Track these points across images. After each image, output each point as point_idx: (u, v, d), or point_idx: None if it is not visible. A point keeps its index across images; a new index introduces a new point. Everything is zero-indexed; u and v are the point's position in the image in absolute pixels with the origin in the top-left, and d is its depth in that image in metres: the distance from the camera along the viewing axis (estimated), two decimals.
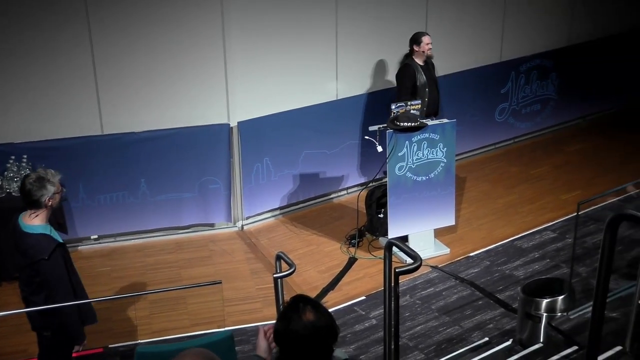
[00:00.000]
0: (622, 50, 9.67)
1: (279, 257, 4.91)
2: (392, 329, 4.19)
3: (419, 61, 7.13)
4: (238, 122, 7.06)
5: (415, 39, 7.08)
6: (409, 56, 7.18)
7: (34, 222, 4.27)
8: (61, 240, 4.38)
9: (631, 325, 5.04)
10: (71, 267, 4.46)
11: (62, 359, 4.60)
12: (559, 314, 5.41)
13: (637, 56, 9.83)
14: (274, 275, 4.78)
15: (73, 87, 6.59)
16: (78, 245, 7.00)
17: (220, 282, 5.31)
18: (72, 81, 6.57)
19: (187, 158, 6.98)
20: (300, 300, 2.65)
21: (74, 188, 6.67)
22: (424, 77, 7.11)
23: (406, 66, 7.12)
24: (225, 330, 4.87)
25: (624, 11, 9.75)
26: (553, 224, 7.31)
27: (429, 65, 7.26)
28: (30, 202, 4.22)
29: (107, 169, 6.80)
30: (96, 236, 7.07)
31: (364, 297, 6.25)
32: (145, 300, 6.17)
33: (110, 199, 6.89)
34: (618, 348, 4.91)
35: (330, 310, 2.79)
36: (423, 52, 7.07)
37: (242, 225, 7.46)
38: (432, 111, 7.19)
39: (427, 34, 7.13)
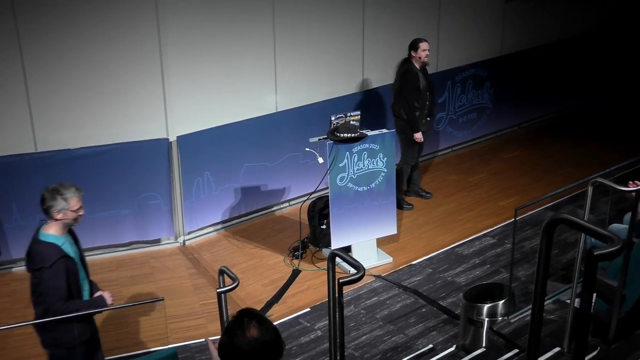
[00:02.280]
0: (553, 59, 9.98)
1: (222, 272, 4.86)
2: (338, 340, 4.19)
3: (418, 66, 7.41)
4: (177, 137, 6.98)
5: (413, 45, 7.36)
6: (408, 61, 7.42)
7: (49, 231, 4.45)
8: (72, 255, 4.47)
9: (568, 327, 5.18)
10: (76, 282, 4.50)
11: None
12: (500, 318, 5.51)
13: (568, 65, 10.16)
14: (218, 290, 4.72)
15: (3, 103, 6.41)
16: (12, 267, 6.78)
17: (163, 299, 5.22)
18: (2, 97, 6.39)
19: (126, 174, 6.86)
20: (245, 315, 2.63)
21: (7, 208, 6.48)
22: (423, 83, 7.44)
23: (410, 71, 7.41)
24: (169, 348, 4.79)
25: (553, 22, 10.07)
26: (492, 230, 7.45)
27: (426, 71, 7.55)
28: (43, 209, 4.44)
29: (41, 188, 6.56)
30: None
31: (308, 309, 6.24)
32: None
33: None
34: (557, 349, 5.02)
35: (275, 323, 2.77)
36: (420, 58, 7.34)
37: (184, 241, 7.37)
38: (430, 114, 7.62)
39: (425, 41, 7.37)
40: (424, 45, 7.34)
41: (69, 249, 4.48)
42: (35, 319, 4.55)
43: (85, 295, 4.64)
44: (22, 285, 6.51)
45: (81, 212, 4.53)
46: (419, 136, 7.52)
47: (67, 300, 4.41)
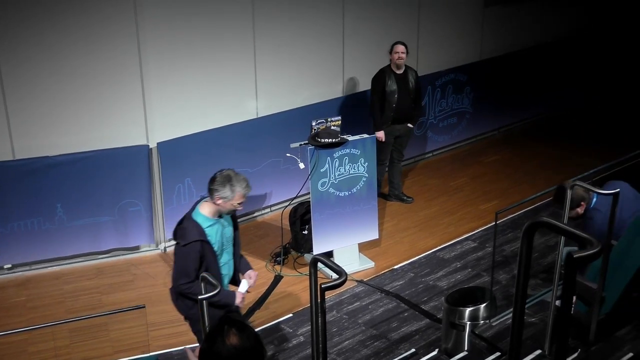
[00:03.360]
0: (532, 63, 10.07)
1: (203, 278, 4.84)
2: (320, 346, 4.18)
3: (395, 69, 7.51)
4: (157, 143, 6.94)
5: (391, 47, 7.52)
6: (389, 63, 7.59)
7: (203, 210, 4.55)
8: (217, 239, 4.55)
9: (549, 329, 5.21)
10: (212, 267, 4.54)
11: None
12: (482, 321, 5.53)
13: (547, 69, 10.25)
14: (199, 297, 4.70)
15: None
16: None
17: (144, 307, 5.18)
18: None
19: (106, 181, 6.81)
20: (226, 322, 2.62)
21: None
22: (395, 84, 7.52)
23: (379, 72, 7.60)
24: (151, 356, 4.76)
25: (532, 27, 10.16)
26: (473, 234, 7.49)
27: (407, 74, 7.57)
28: (208, 188, 4.49)
29: (20, 195, 6.54)
30: (9, 265, 6.78)
31: (290, 315, 6.22)
32: (65, 330, 5.94)
33: (24, 226, 6.63)
34: (538, 352, 5.05)
35: (257, 329, 2.76)
36: (392, 60, 7.50)
37: (165, 248, 7.32)
38: (400, 118, 7.61)
39: (400, 43, 7.50)
40: (396, 48, 7.49)
41: (213, 233, 4.54)
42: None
43: (225, 280, 4.73)
44: (2, 294, 6.48)
45: (239, 207, 4.59)
46: (379, 135, 7.56)
47: (193, 281, 4.48)
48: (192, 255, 4.44)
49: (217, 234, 4.58)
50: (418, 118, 7.96)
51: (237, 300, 4.64)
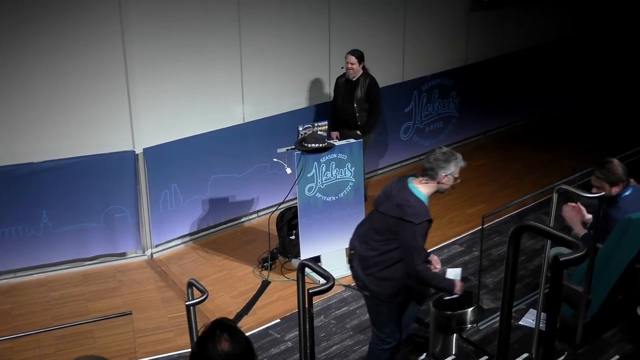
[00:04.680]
0: (517, 68, 10.13)
1: (190, 284, 4.82)
2: (308, 351, 4.17)
3: (348, 77, 7.52)
4: (143, 149, 6.92)
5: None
6: None
7: (420, 187, 4.54)
8: None
9: (536, 333, 5.23)
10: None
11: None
12: (469, 325, 5.55)
13: (532, 73, 10.32)
14: (186, 303, 4.69)
15: None
16: None
17: (131, 313, 5.16)
18: None
19: (91, 187, 6.77)
20: (218, 327, 2.61)
21: None
22: (341, 91, 7.61)
23: (337, 77, 7.72)
24: None
25: (517, 31, 10.22)
26: (460, 238, 7.51)
27: (358, 82, 7.55)
28: (428, 167, 4.52)
29: (5, 202, 6.49)
30: None
31: (278, 320, 6.21)
32: (51, 337, 5.89)
33: (8, 233, 6.58)
34: (525, 355, 5.08)
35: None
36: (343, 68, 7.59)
37: (152, 254, 7.29)
38: (345, 124, 7.61)
39: (350, 54, 7.49)
40: (347, 58, 7.53)
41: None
42: (363, 259, 4.69)
43: None
44: None
45: (458, 182, 4.63)
46: (333, 134, 7.59)
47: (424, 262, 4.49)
48: (423, 234, 4.48)
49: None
50: (370, 127, 7.66)
51: (457, 288, 4.70)
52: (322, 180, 6.55)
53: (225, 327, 2.61)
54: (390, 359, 4.95)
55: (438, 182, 4.58)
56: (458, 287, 4.71)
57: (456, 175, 4.62)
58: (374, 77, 7.64)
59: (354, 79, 7.56)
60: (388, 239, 4.62)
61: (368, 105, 7.60)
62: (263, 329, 6.08)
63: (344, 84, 7.62)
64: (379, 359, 4.96)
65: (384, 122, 8.75)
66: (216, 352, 2.54)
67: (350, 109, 7.58)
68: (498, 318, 4.26)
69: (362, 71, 7.55)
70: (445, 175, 4.55)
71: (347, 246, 6.85)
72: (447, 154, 4.58)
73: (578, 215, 5.05)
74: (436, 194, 4.72)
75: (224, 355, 2.54)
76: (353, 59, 7.48)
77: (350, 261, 4.93)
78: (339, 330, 6.03)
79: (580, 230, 5.01)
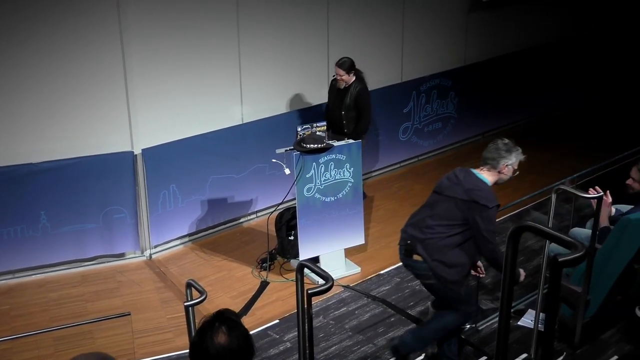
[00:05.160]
0: (516, 68, 10.13)
1: (189, 285, 4.83)
2: (307, 351, 4.18)
3: (339, 86, 7.41)
4: (142, 150, 6.91)
5: None
6: None
7: (485, 175, 4.68)
8: None
9: (535, 333, 5.24)
10: None
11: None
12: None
13: (531, 74, 10.32)
14: (185, 304, 4.69)
15: None
16: None
17: (130, 314, 5.15)
18: None
19: (90, 188, 6.76)
20: (218, 319, 2.60)
21: None
22: (332, 95, 7.52)
23: (331, 81, 7.63)
24: None
25: (516, 32, 10.22)
26: None
27: (349, 89, 7.41)
28: (489, 157, 4.66)
29: (3, 203, 6.48)
30: None
31: (277, 321, 6.21)
32: (50, 338, 5.89)
33: (7, 234, 6.57)
34: (524, 355, 5.08)
35: None
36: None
37: (151, 254, 7.29)
38: (331, 127, 7.40)
39: (338, 66, 7.29)
40: (335, 69, 7.37)
41: None
42: (428, 245, 4.74)
43: None
44: None
45: (515, 174, 4.75)
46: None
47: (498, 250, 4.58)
48: (494, 218, 4.57)
49: None
50: (356, 136, 7.34)
51: (522, 277, 4.79)
52: (320, 181, 6.55)
53: (225, 319, 2.60)
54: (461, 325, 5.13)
55: (499, 172, 4.67)
56: (522, 276, 4.81)
57: (515, 167, 4.71)
58: (366, 84, 7.47)
59: (344, 86, 7.44)
60: (453, 224, 4.68)
61: (355, 114, 7.42)
62: (262, 330, 6.08)
63: (336, 89, 7.48)
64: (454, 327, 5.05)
65: (382, 122, 8.75)
66: (212, 344, 2.53)
67: (338, 115, 7.46)
68: (497, 318, 4.27)
69: (354, 78, 7.38)
70: (506, 165, 4.65)
71: (346, 246, 6.90)
72: (509, 145, 4.70)
73: (608, 208, 5.16)
74: (495, 185, 4.79)
75: (221, 348, 2.53)
76: (341, 71, 7.29)
77: (407, 252, 4.97)
78: (338, 331, 6.03)
79: (605, 223, 5.10)
